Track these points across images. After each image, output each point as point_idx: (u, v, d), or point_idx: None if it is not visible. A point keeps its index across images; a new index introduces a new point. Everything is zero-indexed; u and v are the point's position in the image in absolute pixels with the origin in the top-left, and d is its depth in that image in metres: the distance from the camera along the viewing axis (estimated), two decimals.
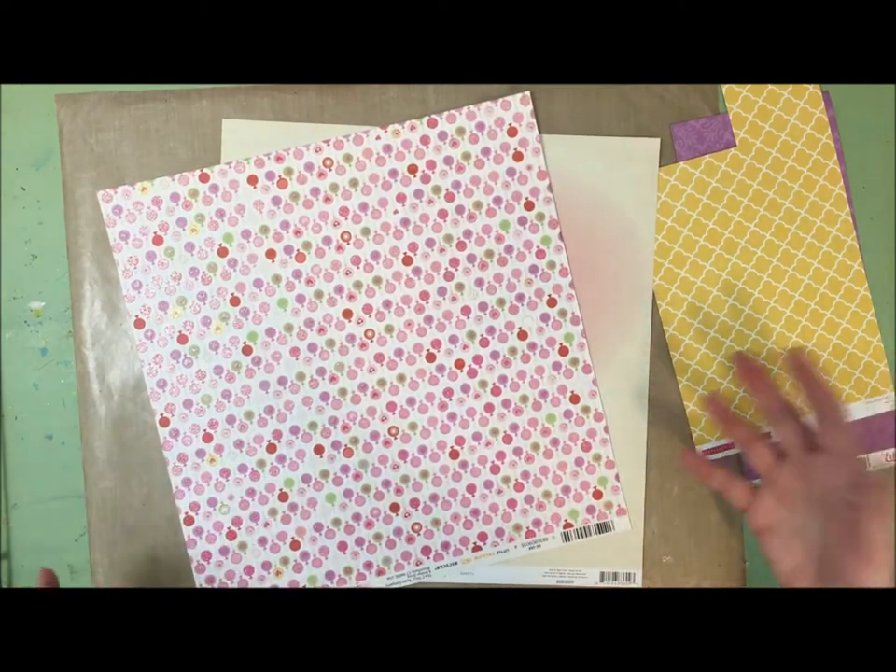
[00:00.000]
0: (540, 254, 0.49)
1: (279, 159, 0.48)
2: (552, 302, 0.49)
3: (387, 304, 0.49)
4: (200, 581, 0.49)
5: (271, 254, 0.48)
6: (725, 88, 0.50)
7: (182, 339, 0.48)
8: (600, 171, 0.49)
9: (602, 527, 0.49)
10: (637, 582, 0.50)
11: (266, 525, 0.49)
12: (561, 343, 0.49)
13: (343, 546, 0.49)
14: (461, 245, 0.49)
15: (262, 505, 0.49)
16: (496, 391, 0.49)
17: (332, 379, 0.48)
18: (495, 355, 0.49)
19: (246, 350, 0.48)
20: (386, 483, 0.49)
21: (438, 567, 0.49)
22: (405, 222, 0.49)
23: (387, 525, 0.49)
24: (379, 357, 0.49)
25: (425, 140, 0.48)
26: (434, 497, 0.49)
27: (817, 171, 0.50)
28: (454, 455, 0.49)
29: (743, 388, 0.49)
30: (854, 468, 0.40)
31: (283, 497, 0.49)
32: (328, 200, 0.48)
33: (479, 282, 0.49)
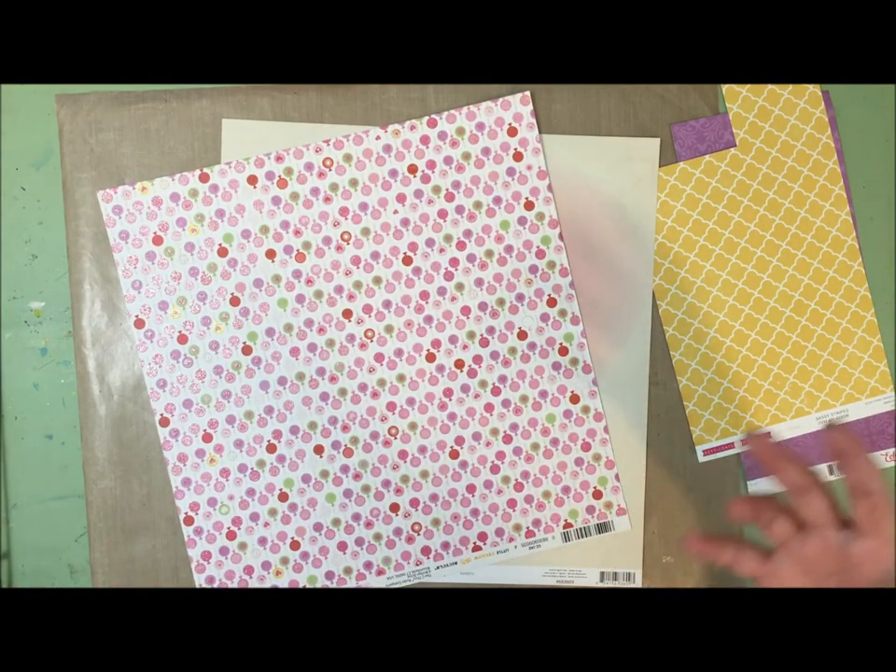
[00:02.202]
0: (540, 254, 0.49)
1: (279, 159, 0.48)
2: (552, 302, 0.49)
3: (387, 304, 0.49)
4: (200, 581, 0.49)
5: (271, 254, 0.48)
6: (725, 88, 0.50)
7: (182, 339, 0.48)
8: (600, 171, 0.49)
9: (602, 527, 0.49)
10: (637, 582, 0.50)
11: (266, 525, 0.49)
12: (561, 343, 0.49)
13: (342, 546, 0.49)
14: (461, 245, 0.49)
15: (262, 505, 0.49)
16: (495, 391, 0.49)
17: (332, 379, 0.48)
18: (495, 355, 0.49)
19: (246, 350, 0.48)
20: (386, 483, 0.49)
21: (438, 567, 0.49)
22: (405, 222, 0.49)
23: (387, 525, 0.49)
24: (379, 357, 0.49)
25: (425, 140, 0.48)
26: (434, 497, 0.49)
27: (817, 171, 0.50)
28: (454, 454, 0.49)
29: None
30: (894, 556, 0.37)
31: (283, 497, 0.49)
32: (328, 200, 0.48)
33: (479, 282, 0.49)
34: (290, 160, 0.48)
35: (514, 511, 0.49)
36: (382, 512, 0.49)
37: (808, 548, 0.39)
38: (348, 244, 0.48)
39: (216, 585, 0.49)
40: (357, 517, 0.49)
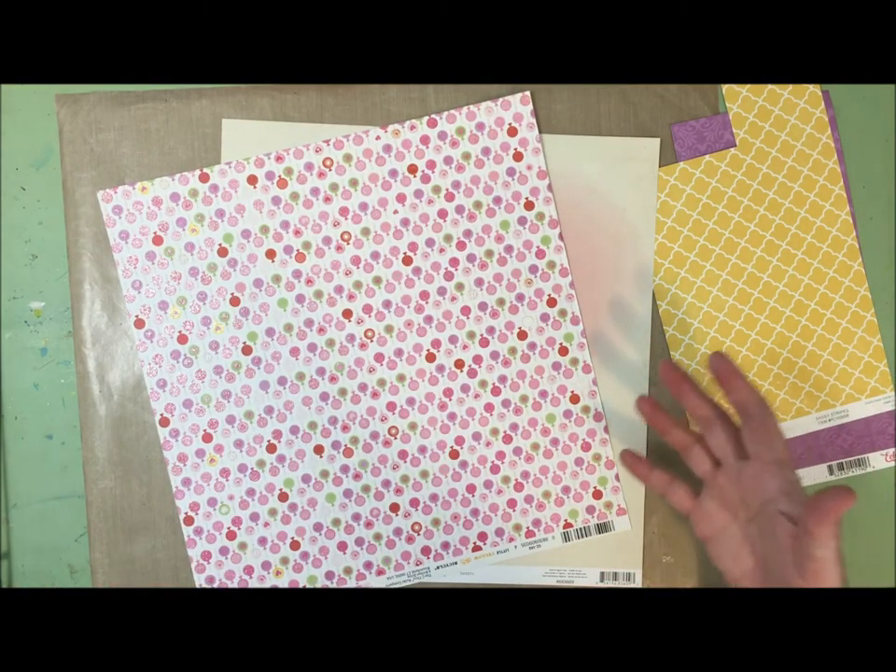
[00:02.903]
0: (540, 254, 0.49)
1: (279, 159, 0.48)
2: (552, 302, 0.49)
3: (387, 304, 0.49)
4: (200, 581, 0.49)
5: (271, 254, 0.48)
6: (725, 88, 0.50)
7: (182, 339, 0.48)
8: (600, 171, 0.49)
9: (602, 527, 0.49)
10: (637, 582, 0.50)
11: (266, 525, 0.49)
12: (561, 343, 0.49)
13: (342, 546, 0.49)
14: (461, 245, 0.49)
15: (262, 505, 0.49)
16: (495, 391, 0.49)
17: (332, 379, 0.48)
18: (494, 355, 0.49)
19: (246, 350, 0.48)
20: (386, 483, 0.49)
21: (438, 567, 0.49)
22: (405, 222, 0.49)
23: (387, 525, 0.49)
24: (379, 357, 0.49)
25: (425, 140, 0.48)
26: (434, 497, 0.49)
27: (817, 171, 0.50)
28: (453, 454, 0.49)
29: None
30: (786, 477, 0.39)
31: (283, 497, 0.49)
32: (328, 200, 0.48)
33: (479, 282, 0.49)
34: (290, 160, 0.48)
35: (514, 511, 0.49)
36: (382, 512, 0.49)
37: (719, 479, 0.41)
38: (348, 244, 0.48)
39: (216, 585, 0.49)
40: (357, 517, 0.49)
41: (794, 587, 0.37)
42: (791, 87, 0.50)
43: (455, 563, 0.49)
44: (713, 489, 0.42)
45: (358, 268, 0.48)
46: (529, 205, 0.49)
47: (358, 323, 0.49)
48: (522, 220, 0.49)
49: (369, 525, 0.49)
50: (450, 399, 0.49)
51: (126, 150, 0.49)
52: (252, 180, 0.48)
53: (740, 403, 0.40)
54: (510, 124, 0.49)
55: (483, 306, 0.49)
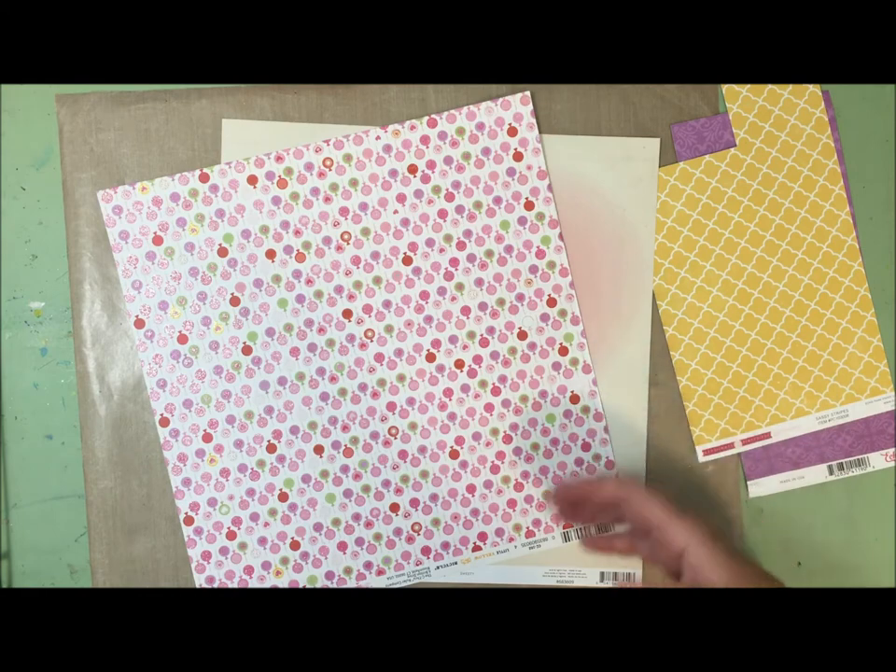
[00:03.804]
0: (540, 254, 0.49)
1: (279, 159, 0.48)
2: (552, 302, 0.49)
3: (387, 304, 0.49)
4: (200, 581, 0.49)
5: (271, 254, 0.48)
6: (725, 88, 0.50)
7: (182, 339, 0.48)
8: (600, 171, 0.49)
9: (602, 527, 0.49)
10: (637, 582, 0.49)
11: (266, 524, 0.49)
12: (561, 343, 0.49)
13: (342, 546, 0.49)
14: (461, 245, 0.49)
15: (262, 505, 0.49)
16: (495, 391, 0.49)
17: (332, 379, 0.48)
18: (494, 355, 0.49)
19: (246, 350, 0.48)
20: (386, 483, 0.49)
21: (438, 567, 0.49)
22: (405, 222, 0.49)
23: (387, 525, 0.49)
24: (379, 357, 0.49)
25: (425, 140, 0.48)
26: (434, 497, 0.49)
27: (817, 171, 0.50)
28: (454, 455, 0.49)
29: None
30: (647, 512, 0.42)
31: (283, 497, 0.49)
32: (328, 200, 0.48)
33: (479, 282, 0.49)
34: (290, 160, 0.48)
35: (514, 511, 0.49)
36: (382, 512, 0.49)
37: (641, 551, 0.46)
38: (348, 244, 0.48)
39: (216, 585, 0.49)
40: (357, 517, 0.49)
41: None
42: (790, 87, 0.50)
43: (455, 563, 0.49)
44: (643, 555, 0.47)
45: (358, 268, 0.48)
46: (529, 205, 0.49)
47: (358, 323, 0.49)
48: (522, 220, 0.49)
49: (369, 525, 0.49)
50: (450, 399, 0.49)
51: (126, 150, 0.49)
52: (252, 180, 0.48)
53: (600, 496, 0.45)
54: (510, 124, 0.49)
55: (483, 306, 0.49)
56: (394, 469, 0.49)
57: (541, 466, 0.49)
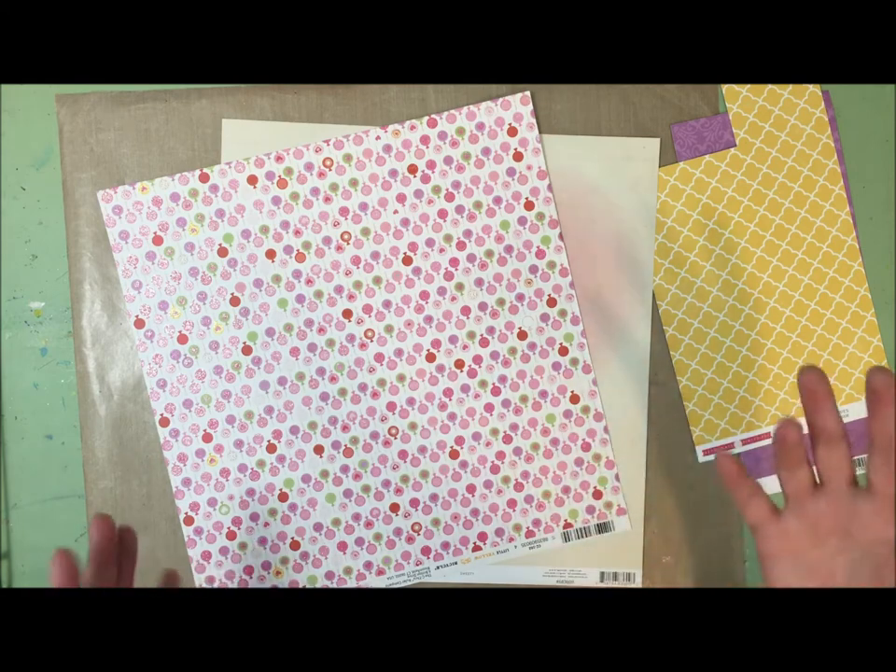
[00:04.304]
0: (540, 254, 0.49)
1: (279, 159, 0.48)
2: (552, 302, 0.49)
3: (387, 304, 0.49)
4: (200, 581, 0.49)
5: (271, 254, 0.48)
6: (725, 88, 0.50)
7: (182, 339, 0.48)
8: (600, 171, 0.49)
9: (602, 527, 0.49)
10: (637, 582, 0.50)
11: (266, 524, 0.49)
12: (561, 343, 0.49)
13: (342, 546, 0.49)
14: (461, 245, 0.49)
15: (262, 505, 0.49)
16: (495, 391, 0.49)
17: (332, 379, 0.48)
18: (494, 355, 0.49)
19: (246, 350, 0.48)
20: (386, 483, 0.49)
21: (438, 567, 0.49)
22: (405, 222, 0.49)
23: (387, 525, 0.49)
24: (379, 357, 0.49)
25: (425, 140, 0.48)
26: (434, 497, 0.49)
27: (817, 171, 0.50)
28: (453, 454, 0.49)
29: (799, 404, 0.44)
30: None
31: (283, 497, 0.49)
32: (328, 200, 0.48)
33: (479, 282, 0.49)
34: (290, 160, 0.48)
35: (514, 511, 0.49)
36: (382, 512, 0.49)
37: (819, 503, 0.37)
38: (348, 244, 0.48)
39: (216, 585, 0.49)
40: (357, 517, 0.49)
41: None
42: (791, 87, 0.50)
43: (455, 563, 0.49)
44: (805, 510, 0.38)
45: (358, 268, 0.48)
46: (529, 205, 0.49)
47: (358, 323, 0.49)
48: (522, 220, 0.49)
49: (369, 525, 0.49)
50: (450, 399, 0.49)
51: (126, 150, 0.49)
52: (252, 180, 0.48)
53: (878, 432, 0.37)
54: (510, 124, 0.49)
55: (483, 306, 0.49)
56: (394, 469, 0.49)
57: (541, 466, 0.49)
